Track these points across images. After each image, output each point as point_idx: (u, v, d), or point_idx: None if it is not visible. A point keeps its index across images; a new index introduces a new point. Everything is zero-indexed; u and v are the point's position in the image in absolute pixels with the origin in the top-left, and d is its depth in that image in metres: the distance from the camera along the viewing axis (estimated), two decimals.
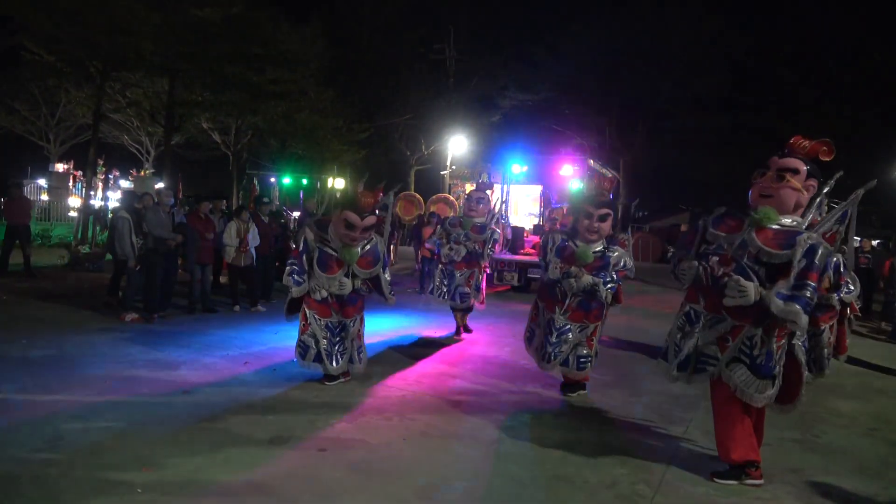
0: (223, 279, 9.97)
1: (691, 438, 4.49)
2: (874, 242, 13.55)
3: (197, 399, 4.84)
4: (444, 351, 6.98)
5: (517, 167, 13.93)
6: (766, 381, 3.61)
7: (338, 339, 5.27)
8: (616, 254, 5.18)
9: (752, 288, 3.46)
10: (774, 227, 3.56)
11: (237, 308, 8.89)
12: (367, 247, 5.24)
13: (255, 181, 18.08)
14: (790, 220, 3.59)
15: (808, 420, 5.06)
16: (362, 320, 5.52)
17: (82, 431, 4.06)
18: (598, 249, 5.15)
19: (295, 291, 5.21)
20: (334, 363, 5.26)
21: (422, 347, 7.10)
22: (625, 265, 5.21)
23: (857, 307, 3.99)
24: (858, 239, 18.25)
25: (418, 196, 19.73)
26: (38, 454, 3.69)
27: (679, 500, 3.52)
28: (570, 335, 5.17)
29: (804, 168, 3.57)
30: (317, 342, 5.25)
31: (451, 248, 7.36)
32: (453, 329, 7.86)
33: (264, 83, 17.39)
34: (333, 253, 5.15)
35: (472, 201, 7.65)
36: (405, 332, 7.89)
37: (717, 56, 26.58)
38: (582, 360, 5.23)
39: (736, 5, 26.99)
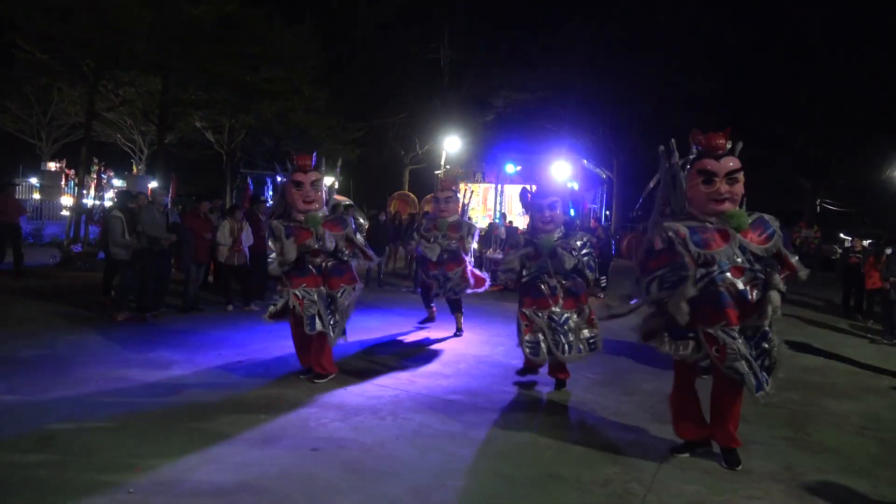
0: (211, 278, 9.94)
1: None
2: (865, 242, 13.58)
3: (189, 399, 4.83)
4: (437, 350, 6.98)
5: (511, 167, 13.95)
6: None
7: (329, 310, 5.38)
8: (577, 237, 5.44)
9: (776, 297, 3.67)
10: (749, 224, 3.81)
11: (230, 308, 8.87)
12: (331, 215, 5.60)
13: (249, 180, 18.04)
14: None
15: (799, 419, 5.10)
16: (350, 295, 5.51)
17: (74, 431, 4.05)
18: (557, 237, 5.41)
19: (272, 269, 5.43)
20: (332, 332, 5.37)
21: (415, 347, 7.10)
22: (588, 243, 5.51)
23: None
24: (850, 238, 18.32)
25: (412, 195, 19.75)
26: (29, 454, 3.67)
27: (671, 499, 3.53)
28: (572, 323, 5.33)
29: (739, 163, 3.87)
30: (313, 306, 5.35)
31: (426, 247, 7.44)
32: (452, 329, 7.85)
33: (258, 82, 17.36)
34: (300, 223, 5.40)
35: (440, 202, 7.66)
36: (398, 332, 7.90)
37: (711, 56, 26.65)
38: (591, 340, 5.38)
39: (731, 5, 27.06)
